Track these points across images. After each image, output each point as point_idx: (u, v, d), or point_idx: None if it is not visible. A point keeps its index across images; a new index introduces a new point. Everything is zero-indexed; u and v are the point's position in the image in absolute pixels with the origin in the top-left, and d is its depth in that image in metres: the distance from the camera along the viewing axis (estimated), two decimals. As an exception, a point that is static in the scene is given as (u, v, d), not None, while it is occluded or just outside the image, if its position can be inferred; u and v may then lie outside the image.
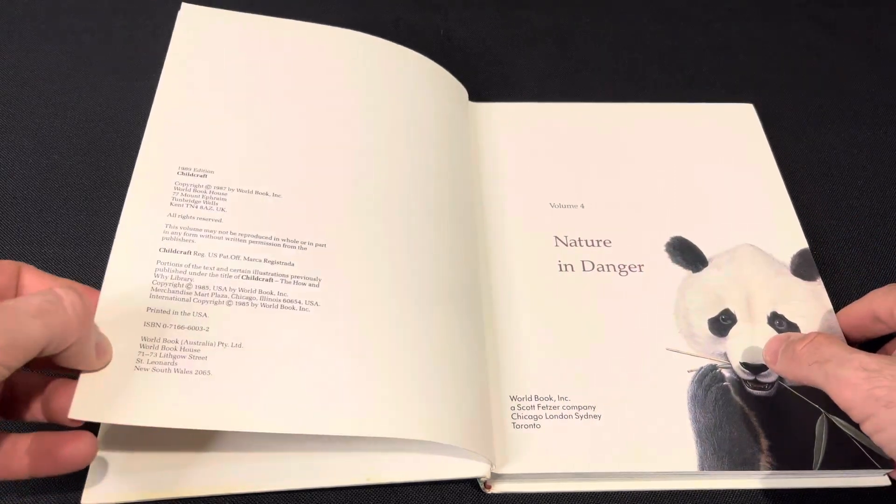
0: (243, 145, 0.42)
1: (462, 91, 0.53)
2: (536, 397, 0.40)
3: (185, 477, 0.36)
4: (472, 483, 0.38)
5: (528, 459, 0.38)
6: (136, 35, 0.59)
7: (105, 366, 0.33)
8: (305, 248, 0.39)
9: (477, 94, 0.55)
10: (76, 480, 0.36)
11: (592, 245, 0.47)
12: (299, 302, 0.37)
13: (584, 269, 0.45)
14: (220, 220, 0.38)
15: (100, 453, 0.36)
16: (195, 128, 0.42)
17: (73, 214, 0.48)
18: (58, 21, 0.59)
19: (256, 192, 0.40)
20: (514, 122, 0.53)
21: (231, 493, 0.37)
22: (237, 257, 0.37)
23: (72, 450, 0.32)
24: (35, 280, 0.34)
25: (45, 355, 0.30)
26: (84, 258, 0.46)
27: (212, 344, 0.35)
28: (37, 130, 0.52)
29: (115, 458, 0.36)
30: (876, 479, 0.39)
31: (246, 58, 0.45)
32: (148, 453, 0.37)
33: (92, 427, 0.37)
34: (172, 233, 0.37)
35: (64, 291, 0.30)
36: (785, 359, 0.37)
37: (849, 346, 0.35)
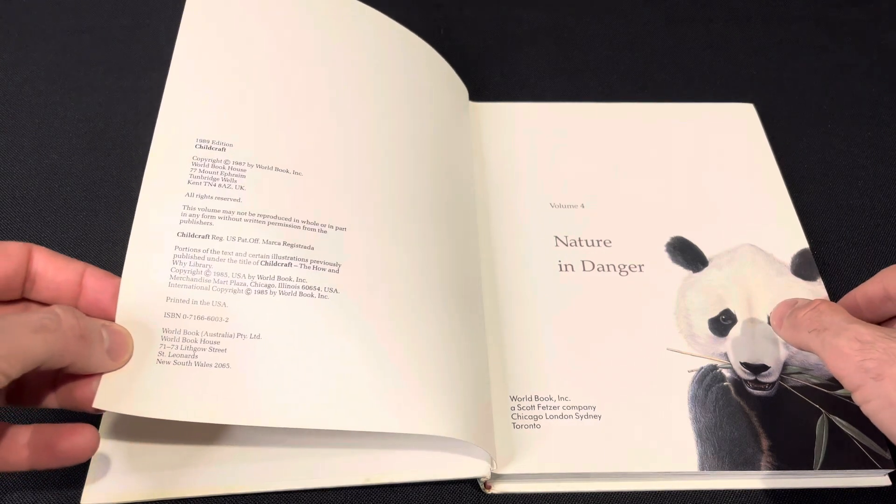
0: (263, 117, 0.40)
1: (463, 90, 0.53)
2: (536, 397, 0.40)
3: (185, 477, 0.36)
4: (472, 483, 0.38)
5: (528, 459, 0.38)
6: (136, 35, 0.59)
7: (124, 365, 0.33)
8: (325, 232, 0.38)
9: (477, 94, 0.55)
10: (76, 479, 0.36)
11: (592, 245, 0.47)
12: (318, 289, 0.36)
13: (584, 269, 0.45)
14: (239, 200, 0.37)
15: (100, 451, 0.36)
16: (213, 99, 0.40)
17: (72, 214, 0.48)
18: (58, 21, 0.59)
19: (276, 169, 0.39)
20: (513, 121, 0.53)
21: (231, 493, 0.36)
22: (256, 240, 0.36)
23: (72, 443, 0.32)
24: (49, 263, 0.34)
25: (47, 367, 0.30)
26: (84, 258, 0.45)
27: (231, 336, 0.34)
28: (36, 130, 0.52)
29: (115, 458, 0.36)
30: (876, 479, 0.39)
31: (264, 26, 0.43)
32: (148, 453, 0.37)
33: (95, 422, 0.37)
34: (191, 215, 0.36)
35: (63, 312, 0.30)
36: (788, 324, 0.37)
37: (850, 317, 0.34)
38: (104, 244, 0.46)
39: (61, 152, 0.51)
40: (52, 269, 0.34)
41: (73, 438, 0.32)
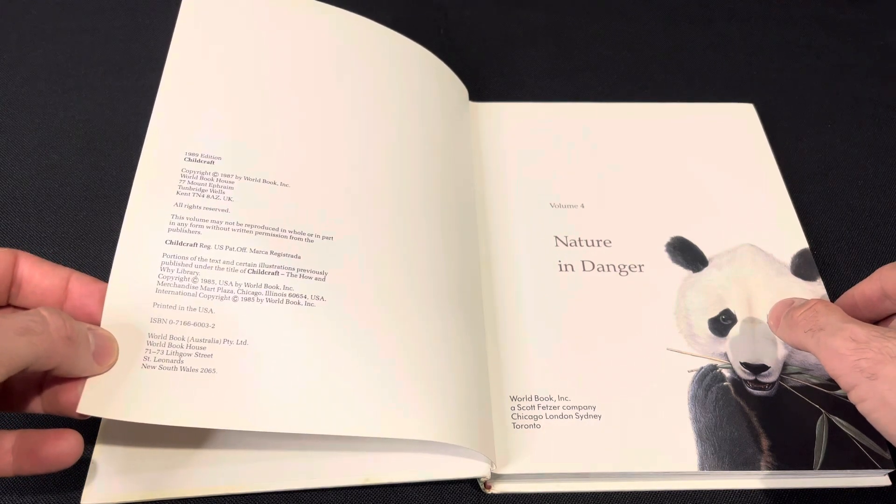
0: (252, 131, 0.41)
1: (463, 90, 0.53)
2: (536, 397, 0.40)
3: (185, 477, 0.36)
4: (472, 483, 0.38)
5: (528, 459, 0.38)
6: (136, 35, 0.59)
7: (110, 369, 0.33)
8: (312, 241, 0.39)
9: (477, 94, 0.55)
10: (76, 479, 0.36)
11: (592, 245, 0.47)
12: (305, 297, 0.37)
13: (584, 269, 0.45)
14: (227, 210, 0.38)
15: (100, 452, 0.37)
16: (202, 112, 0.40)
17: (72, 214, 0.48)
18: (58, 21, 0.59)
19: (264, 181, 0.39)
20: (513, 121, 0.53)
21: (231, 493, 0.36)
22: (243, 249, 0.37)
23: (55, 449, 0.32)
24: (34, 269, 0.34)
25: (33, 370, 0.30)
26: (83, 258, 0.46)
27: (217, 341, 0.35)
28: (37, 130, 0.52)
29: (114, 458, 0.36)
30: (876, 479, 0.39)
31: (254, 38, 0.44)
32: (147, 453, 0.37)
33: (93, 424, 0.37)
34: (179, 224, 0.37)
35: (49, 314, 0.30)
36: (784, 324, 0.37)
37: (846, 316, 0.35)
38: (104, 244, 0.46)
39: (61, 152, 0.51)
40: (38, 274, 0.34)
41: (57, 444, 0.32)
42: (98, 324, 0.34)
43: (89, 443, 0.36)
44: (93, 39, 0.58)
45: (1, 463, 0.31)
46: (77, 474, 0.36)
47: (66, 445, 0.32)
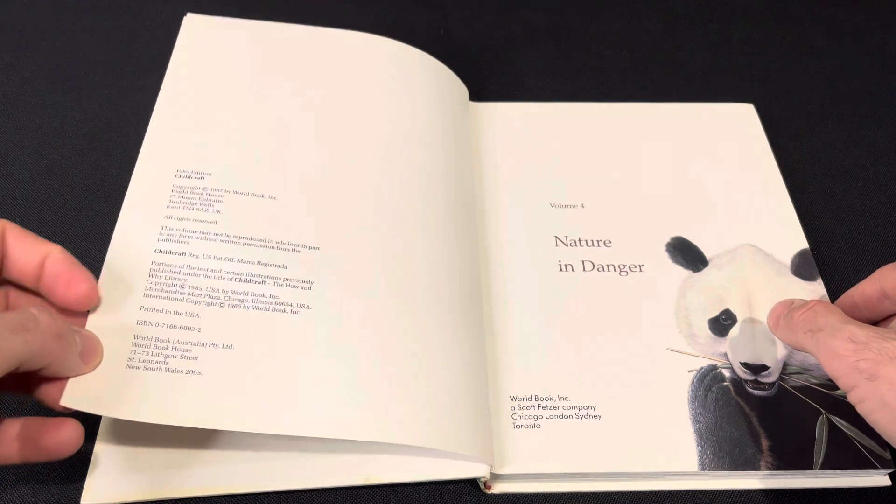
0: (241, 148, 0.42)
1: (463, 90, 0.53)
2: (536, 397, 0.40)
3: (185, 477, 0.36)
4: (472, 483, 0.38)
5: (528, 459, 0.38)
6: (136, 35, 0.59)
7: (94, 369, 0.33)
8: (299, 251, 0.39)
9: (477, 94, 0.55)
10: (77, 480, 0.36)
11: (592, 245, 0.47)
12: (290, 305, 0.37)
13: (584, 269, 0.45)
14: (216, 223, 0.39)
15: (99, 452, 0.37)
16: (195, 131, 0.42)
17: (72, 214, 0.48)
18: (58, 21, 0.59)
19: (252, 195, 0.40)
20: (513, 121, 0.53)
21: (231, 493, 0.37)
22: (231, 259, 0.38)
23: (55, 438, 0.32)
24: (19, 243, 0.34)
25: (25, 370, 0.30)
26: (83, 258, 0.45)
27: (203, 344, 0.35)
28: (36, 130, 0.52)
29: (114, 458, 0.36)
30: (876, 479, 0.39)
31: (247, 63, 0.46)
32: (148, 453, 0.37)
33: (93, 425, 0.37)
34: (168, 234, 0.38)
35: (39, 312, 0.30)
36: (784, 324, 0.37)
37: (845, 317, 0.35)
38: (104, 244, 0.45)
39: (61, 152, 0.51)
40: (22, 247, 0.34)
41: (57, 433, 0.32)
42: (70, 307, 0.34)
43: (89, 443, 0.36)
44: (93, 39, 0.58)
45: (8, 451, 0.32)
46: (77, 474, 0.36)
47: (65, 434, 0.32)
